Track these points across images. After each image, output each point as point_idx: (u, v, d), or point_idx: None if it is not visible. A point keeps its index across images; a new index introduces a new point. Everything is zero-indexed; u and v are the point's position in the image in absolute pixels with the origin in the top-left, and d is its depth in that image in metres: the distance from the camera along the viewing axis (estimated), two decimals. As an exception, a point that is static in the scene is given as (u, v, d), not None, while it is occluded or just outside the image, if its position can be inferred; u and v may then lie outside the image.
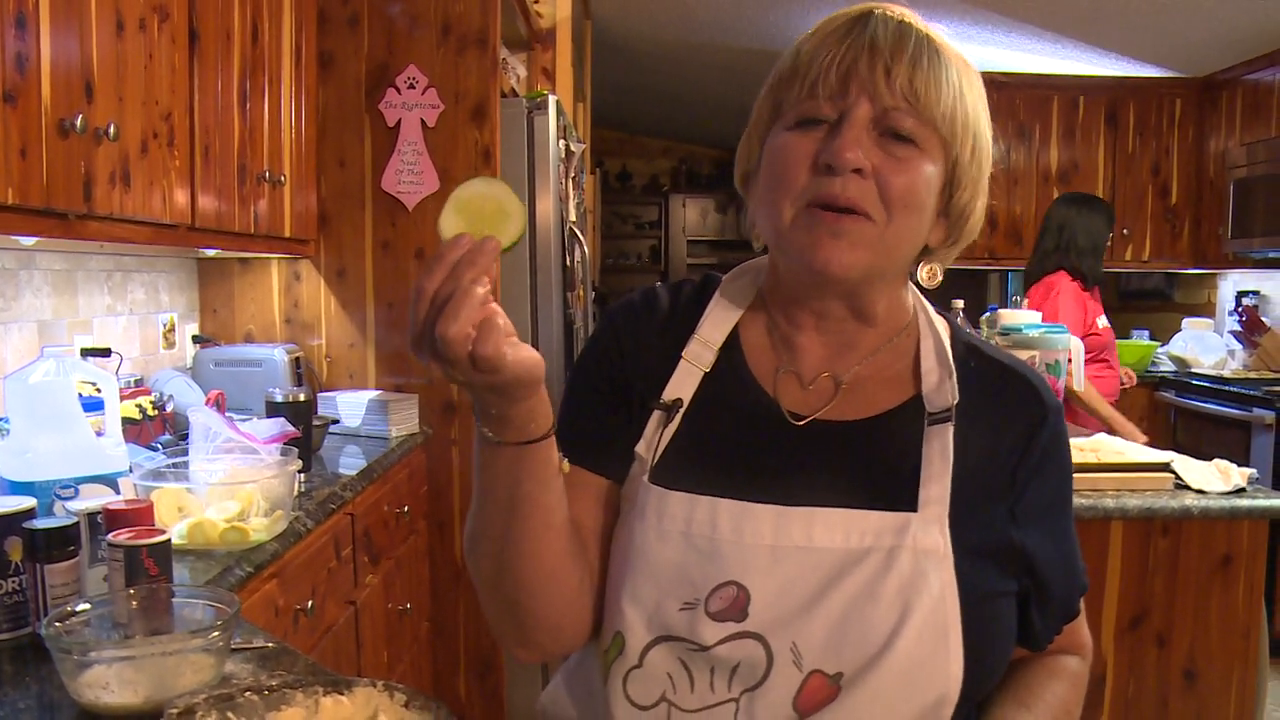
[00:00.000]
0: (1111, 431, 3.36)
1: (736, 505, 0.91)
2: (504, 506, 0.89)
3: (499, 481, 0.88)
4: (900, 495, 0.92)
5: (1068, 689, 1.02)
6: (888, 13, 0.92)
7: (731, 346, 1.00)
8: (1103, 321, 3.73)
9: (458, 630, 3.13)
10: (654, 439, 0.97)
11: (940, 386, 0.96)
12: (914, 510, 0.91)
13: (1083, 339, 3.56)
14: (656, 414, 0.98)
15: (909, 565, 0.88)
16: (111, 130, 1.69)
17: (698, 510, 0.92)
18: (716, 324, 1.01)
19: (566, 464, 0.92)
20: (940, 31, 0.93)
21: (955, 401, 0.94)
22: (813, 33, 0.94)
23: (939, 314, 1.03)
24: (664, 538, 0.92)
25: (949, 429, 0.93)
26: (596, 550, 0.98)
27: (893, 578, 0.88)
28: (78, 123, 1.58)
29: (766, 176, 0.93)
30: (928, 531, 0.90)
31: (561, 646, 0.98)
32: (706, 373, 0.99)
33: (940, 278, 1.00)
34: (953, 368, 0.96)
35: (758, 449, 0.96)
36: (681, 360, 0.99)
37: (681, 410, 0.97)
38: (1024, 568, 0.95)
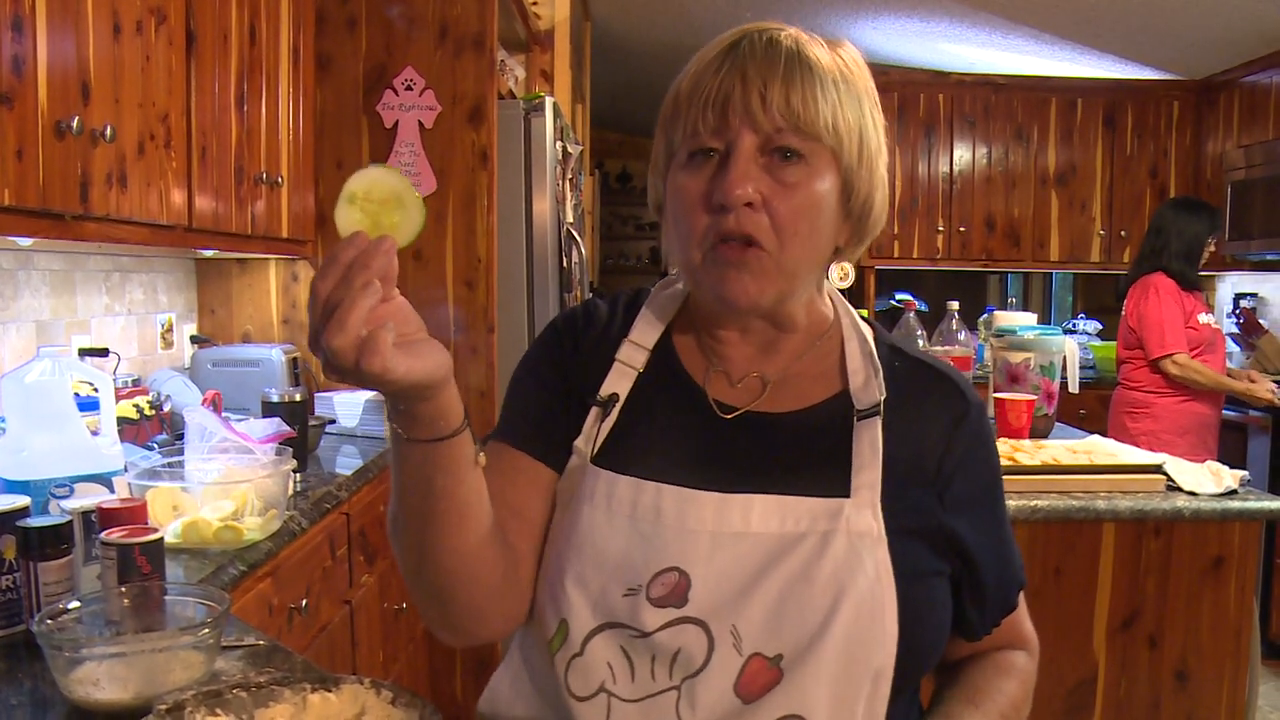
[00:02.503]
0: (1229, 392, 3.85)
1: (680, 491, 0.95)
2: (419, 499, 0.90)
3: (413, 475, 0.89)
4: (833, 483, 0.95)
5: (1016, 686, 1.05)
6: (756, 33, 0.95)
7: (664, 348, 1.05)
8: (1204, 319, 3.85)
9: (454, 630, 3.13)
10: (592, 433, 1.01)
11: (867, 384, 1.00)
12: (847, 496, 0.94)
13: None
14: (594, 410, 1.02)
15: (843, 548, 0.91)
16: (108, 132, 1.70)
17: (643, 495, 0.95)
18: (647, 329, 1.06)
19: (483, 457, 0.92)
20: (815, 39, 0.96)
21: (883, 397, 0.99)
22: (689, 68, 0.97)
23: (861, 320, 1.07)
24: (612, 521, 0.95)
25: (877, 423, 0.97)
26: (532, 537, 1.01)
27: (828, 560, 0.91)
28: (74, 124, 1.60)
29: (671, 216, 0.98)
30: (861, 515, 0.93)
31: (487, 632, 1.00)
32: (640, 372, 1.03)
33: (851, 277, 1.04)
34: (879, 366, 1.00)
35: (694, 440, 1.00)
36: (615, 361, 1.04)
37: (618, 405, 1.01)
38: (955, 551, 0.99)
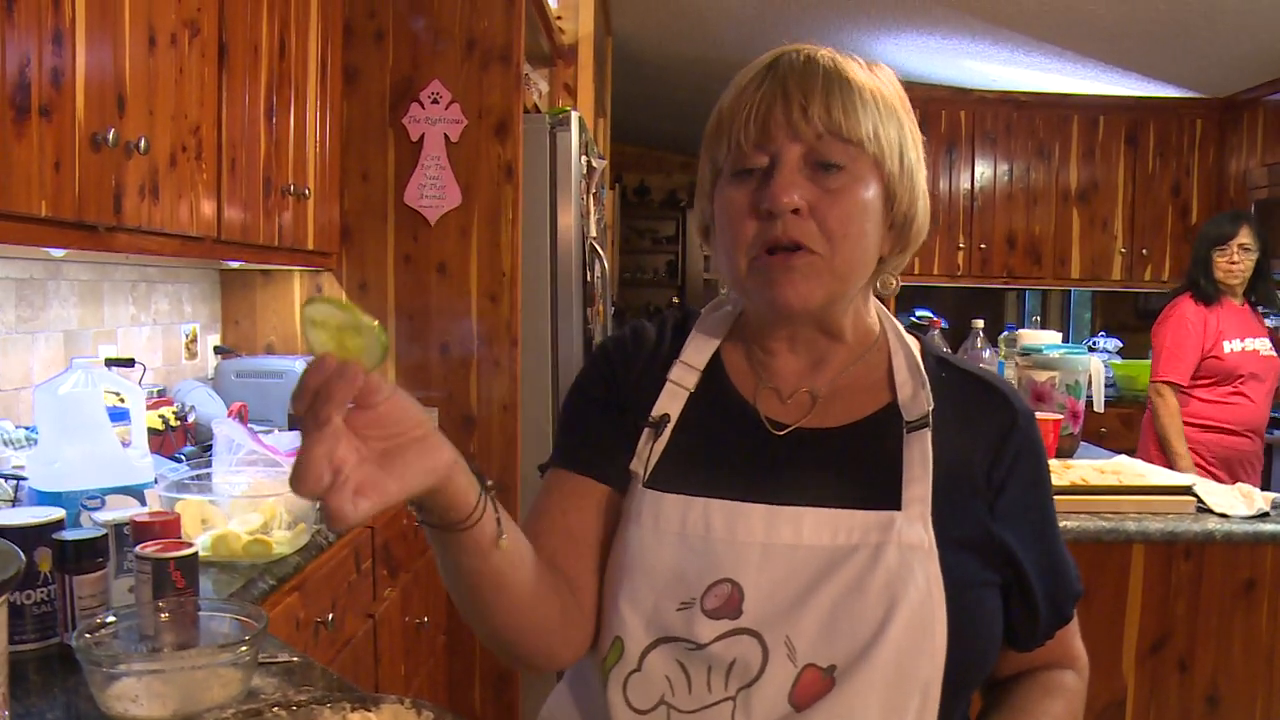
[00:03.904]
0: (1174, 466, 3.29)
1: (728, 505, 0.96)
2: (453, 574, 0.90)
3: (439, 553, 0.89)
4: (884, 495, 0.96)
5: (1062, 707, 1.04)
6: (794, 53, 0.98)
7: (714, 368, 1.06)
8: (1235, 345, 3.49)
9: (473, 643, 3.13)
10: (645, 454, 1.02)
11: (915, 396, 1.00)
12: (898, 509, 0.95)
13: (1199, 363, 3.49)
14: (646, 431, 1.03)
15: (895, 560, 0.92)
16: (142, 144, 1.71)
17: (691, 511, 0.96)
18: (698, 349, 1.07)
19: (505, 541, 0.88)
20: (852, 58, 0.98)
21: (931, 408, 0.99)
22: (730, 89, 0.99)
23: (908, 332, 1.08)
24: (660, 539, 0.96)
25: (927, 435, 0.98)
26: (594, 561, 1.01)
27: (880, 572, 0.92)
28: (110, 136, 1.60)
29: (720, 230, 0.99)
30: (912, 528, 0.94)
31: (559, 663, 1.01)
32: (692, 392, 1.04)
33: (896, 285, 1.05)
34: (925, 378, 1.01)
35: (745, 456, 1.01)
36: (667, 382, 1.05)
37: (670, 425, 1.02)
38: (1006, 561, 0.99)
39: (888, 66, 1.02)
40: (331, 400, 0.72)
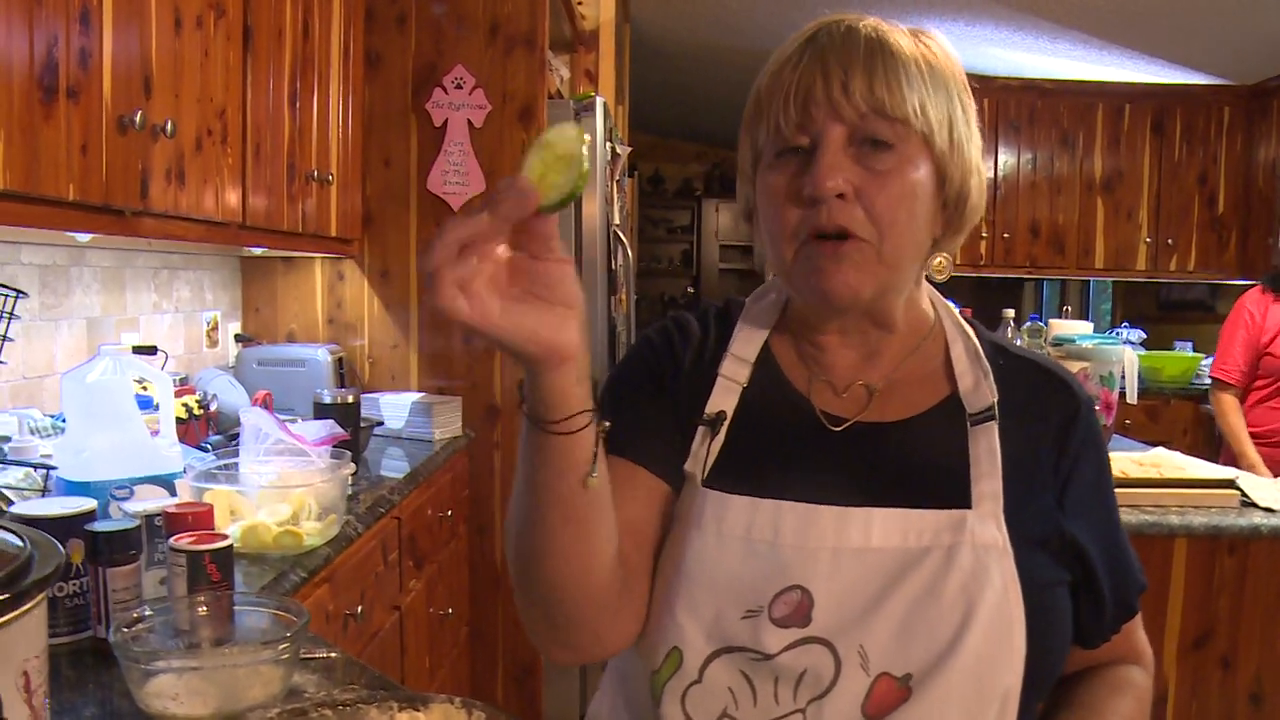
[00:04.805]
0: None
1: (800, 507, 0.90)
2: (527, 491, 0.84)
3: (524, 461, 0.83)
4: (952, 493, 0.91)
5: (1131, 705, 1.00)
6: (834, 24, 0.92)
7: (766, 361, 1.01)
8: None
9: (496, 635, 3.10)
10: (701, 453, 0.96)
11: (977, 387, 0.96)
12: (968, 507, 0.90)
13: (1256, 360, 3.27)
14: (701, 429, 0.97)
15: (969, 561, 0.88)
16: (169, 127, 1.67)
17: (759, 514, 0.91)
18: (747, 341, 1.01)
19: (594, 480, 0.83)
20: (896, 27, 0.93)
21: (995, 399, 0.95)
22: (768, 66, 0.94)
23: (962, 319, 1.03)
24: (723, 544, 0.91)
25: (993, 427, 0.93)
26: (647, 552, 0.95)
27: (954, 575, 0.87)
28: (137, 119, 1.57)
29: (763, 217, 0.95)
30: (985, 527, 0.89)
31: (601, 650, 0.94)
32: (745, 387, 0.99)
33: (948, 269, 0.99)
34: (987, 368, 0.96)
35: (806, 453, 0.96)
36: (719, 377, 0.99)
37: (726, 423, 0.97)
38: (1075, 557, 0.94)
39: (938, 32, 0.96)
40: (499, 205, 0.69)
